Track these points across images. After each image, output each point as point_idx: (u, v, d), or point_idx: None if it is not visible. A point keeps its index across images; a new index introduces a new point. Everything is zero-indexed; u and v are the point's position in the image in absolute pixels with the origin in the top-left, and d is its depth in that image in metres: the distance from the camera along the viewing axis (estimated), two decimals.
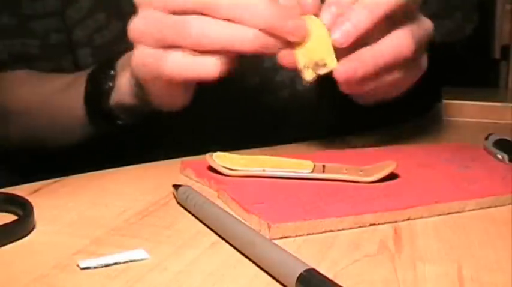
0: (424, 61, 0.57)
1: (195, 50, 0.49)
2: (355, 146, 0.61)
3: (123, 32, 0.52)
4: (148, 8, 0.50)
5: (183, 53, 0.50)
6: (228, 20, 0.49)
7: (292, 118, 0.73)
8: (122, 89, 0.59)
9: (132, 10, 0.52)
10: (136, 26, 0.51)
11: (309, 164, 0.49)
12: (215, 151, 0.50)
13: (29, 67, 0.70)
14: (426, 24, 0.56)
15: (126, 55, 0.57)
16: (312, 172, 0.48)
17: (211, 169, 0.49)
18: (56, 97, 0.66)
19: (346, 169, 0.48)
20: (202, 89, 0.54)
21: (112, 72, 0.60)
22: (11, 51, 0.69)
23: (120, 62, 0.59)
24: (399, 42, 0.52)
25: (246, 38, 0.49)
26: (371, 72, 0.51)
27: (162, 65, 0.50)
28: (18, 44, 0.69)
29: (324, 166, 0.49)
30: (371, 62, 0.51)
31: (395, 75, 0.54)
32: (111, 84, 0.59)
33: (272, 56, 0.51)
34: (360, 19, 0.50)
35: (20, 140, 0.71)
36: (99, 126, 0.63)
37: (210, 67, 0.50)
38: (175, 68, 0.50)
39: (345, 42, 0.50)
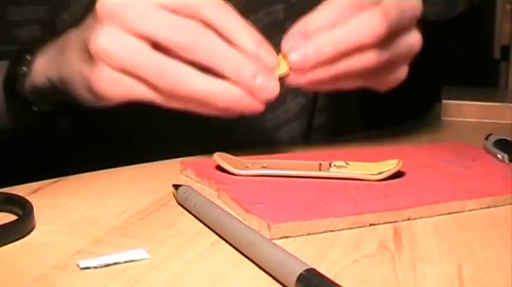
0: (411, 40, 0.54)
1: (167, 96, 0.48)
2: (356, 146, 0.61)
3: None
4: (111, 23, 0.48)
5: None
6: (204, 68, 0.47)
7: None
8: (37, 72, 0.57)
9: None
10: (105, 45, 0.48)
11: (315, 164, 0.49)
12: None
13: None
14: (409, 3, 0.52)
15: (59, 39, 0.55)
16: (319, 170, 0.48)
17: (219, 168, 0.49)
18: None
19: (353, 166, 0.49)
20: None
21: (28, 57, 0.58)
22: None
23: (44, 47, 0.57)
24: (368, 21, 0.49)
25: (230, 97, 0.47)
26: (328, 59, 0.49)
27: (137, 92, 0.49)
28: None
29: (330, 165, 0.49)
30: (328, 48, 0.49)
31: (367, 61, 0.51)
32: (25, 69, 0.58)
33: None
34: (323, 52, 0.49)
35: None
36: (16, 113, 0.60)
37: None
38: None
39: (302, 66, 0.49)
